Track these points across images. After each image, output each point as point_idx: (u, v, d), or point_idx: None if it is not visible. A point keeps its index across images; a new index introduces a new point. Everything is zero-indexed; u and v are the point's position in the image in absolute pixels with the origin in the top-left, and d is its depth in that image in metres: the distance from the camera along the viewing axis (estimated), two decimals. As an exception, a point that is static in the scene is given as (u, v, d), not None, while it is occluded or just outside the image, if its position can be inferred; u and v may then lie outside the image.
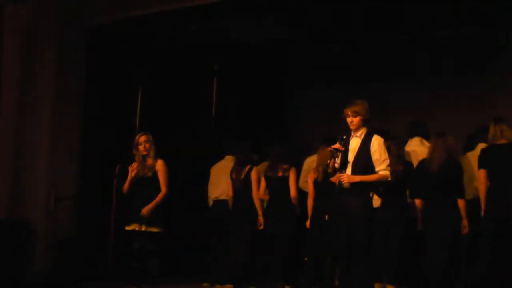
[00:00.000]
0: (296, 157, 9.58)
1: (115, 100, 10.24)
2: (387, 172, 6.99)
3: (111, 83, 10.21)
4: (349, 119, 7.08)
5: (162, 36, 10.44)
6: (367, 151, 7.02)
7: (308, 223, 8.57)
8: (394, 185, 7.86)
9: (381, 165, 6.97)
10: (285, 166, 8.81)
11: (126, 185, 8.26)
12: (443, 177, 7.57)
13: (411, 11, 9.48)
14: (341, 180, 6.95)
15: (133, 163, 8.28)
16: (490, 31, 9.87)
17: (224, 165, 9.48)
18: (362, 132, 7.11)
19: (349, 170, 7.05)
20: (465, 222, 7.57)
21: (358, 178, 6.92)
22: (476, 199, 7.95)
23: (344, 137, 7.18)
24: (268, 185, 8.90)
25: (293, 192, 8.73)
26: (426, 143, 8.18)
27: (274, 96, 12.00)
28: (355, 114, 7.06)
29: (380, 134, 7.20)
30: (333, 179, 7.12)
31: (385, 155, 7.03)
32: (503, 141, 7.60)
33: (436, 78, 10.69)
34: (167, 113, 10.64)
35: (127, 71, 10.35)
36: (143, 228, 8.02)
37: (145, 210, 8.03)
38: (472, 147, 8.36)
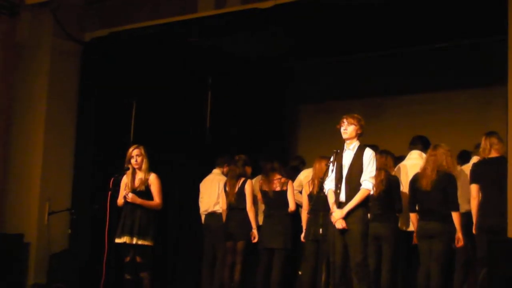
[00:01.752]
0: (291, 170, 9.58)
1: (109, 113, 10.23)
2: (368, 185, 7.02)
3: (105, 96, 10.19)
4: (343, 128, 7.12)
5: (157, 49, 10.43)
6: (359, 164, 7.06)
7: (302, 236, 8.54)
8: (380, 198, 7.91)
9: (365, 175, 7.02)
10: (283, 180, 8.79)
11: (120, 199, 8.21)
12: (435, 191, 7.55)
13: (405, 25, 9.51)
14: (334, 222, 7.03)
15: (126, 177, 8.21)
16: (483, 44, 9.93)
17: (212, 178, 9.48)
18: (355, 146, 7.15)
19: (344, 185, 7.09)
20: (459, 235, 7.54)
21: (345, 210, 6.99)
22: (470, 213, 7.96)
23: (338, 151, 7.22)
24: (264, 199, 8.86)
25: (292, 206, 8.70)
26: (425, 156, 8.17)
27: (269, 109, 12.00)
28: (350, 123, 7.10)
29: (371, 147, 7.27)
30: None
31: (372, 167, 7.07)
32: (494, 155, 7.58)
33: (430, 93, 10.74)
34: (161, 126, 10.62)
35: (121, 84, 10.32)
36: (134, 241, 7.96)
37: (132, 196, 7.98)
38: (466, 161, 8.37)
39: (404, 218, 8.10)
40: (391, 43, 10.48)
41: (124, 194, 8.06)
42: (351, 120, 7.13)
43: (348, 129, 7.13)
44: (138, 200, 8.03)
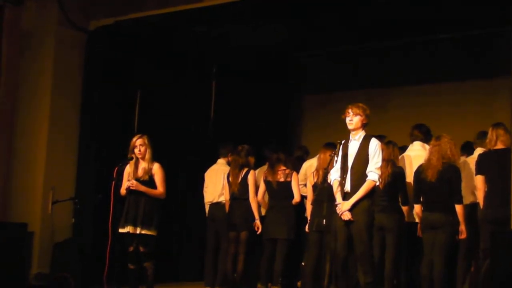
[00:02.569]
0: (296, 160, 9.57)
1: (114, 102, 10.23)
2: (374, 176, 7.03)
3: (110, 85, 10.19)
4: (348, 118, 7.11)
5: (162, 38, 10.42)
6: (365, 154, 7.05)
7: (307, 227, 8.52)
8: (385, 190, 7.91)
9: (371, 166, 7.02)
10: (287, 171, 8.77)
11: (123, 188, 8.20)
12: (440, 182, 7.52)
13: (411, 15, 9.48)
14: (340, 215, 7.04)
15: (129, 166, 8.20)
16: (487, 35, 9.90)
17: (217, 168, 9.47)
18: (360, 136, 7.13)
19: (349, 175, 7.09)
20: (462, 227, 7.52)
21: (351, 202, 7.00)
22: (474, 205, 7.95)
23: (343, 141, 7.20)
24: (268, 190, 8.85)
25: (296, 197, 8.69)
26: (427, 147, 8.14)
27: (274, 99, 11.98)
28: (355, 114, 7.08)
29: (378, 138, 7.26)
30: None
31: (378, 158, 7.07)
32: (500, 146, 7.55)
33: (435, 84, 10.71)
34: (165, 116, 10.62)
35: (126, 73, 10.31)
36: (138, 231, 7.95)
37: (135, 183, 7.97)
38: (470, 152, 8.34)
39: (409, 209, 8.08)
40: (397, 34, 10.47)
41: (128, 184, 8.04)
42: (356, 110, 7.11)
43: (353, 119, 7.11)
44: (142, 188, 8.02)
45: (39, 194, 9.64)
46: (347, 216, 7.01)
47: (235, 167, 8.99)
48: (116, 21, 10.07)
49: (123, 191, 8.17)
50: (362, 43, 10.97)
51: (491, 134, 7.66)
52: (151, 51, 10.48)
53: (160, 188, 8.14)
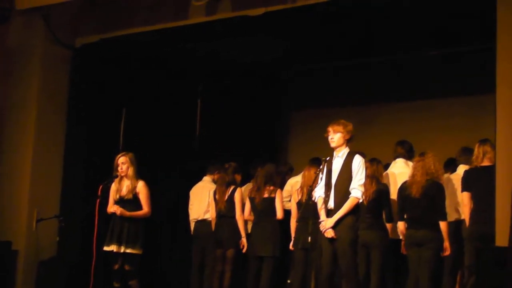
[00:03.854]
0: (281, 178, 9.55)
1: (99, 119, 10.21)
2: (357, 193, 7.03)
3: (96, 102, 10.18)
4: (330, 137, 7.13)
5: (147, 56, 10.42)
6: (348, 171, 7.05)
7: (291, 244, 8.50)
8: (369, 207, 7.90)
9: (354, 183, 7.01)
10: (271, 188, 8.76)
11: (109, 207, 8.20)
12: (424, 199, 7.51)
13: (396, 32, 9.51)
14: (323, 232, 7.05)
15: (114, 184, 8.20)
16: (472, 52, 9.94)
17: (202, 186, 9.48)
18: (344, 153, 7.14)
19: (332, 192, 7.10)
20: (447, 243, 7.52)
21: (334, 219, 7.00)
22: (458, 222, 7.94)
23: (328, 158, 7.21)
24: (252, 207, 8.84)
25: (279, 213, 8.67)
26: (411, 164, 8.14)
27: (260, 116, 11.98)
28: (336, 131, 7.09)
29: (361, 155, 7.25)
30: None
31: (361, 174, 7.07)
32: (486, 163, 7.55)
33: (420, 100, 10.74)
34: (151, 133, 10.60)
35: (112, 90, 10.31)
36: (122, 250, 7.94)
37: (119, 209, 7.94)
38: (454, 169, 8.34)
39: (393, 226, 8.08)
40: (382, 51, 10.48)
41: (113, 210, 8.03)
42: (337, 128, 7.12)
43: (334, 137, 7.13)
44: (127, 214, 8.04)
45: (23, 212, 9.57)
46: (330, 233, 7.01)
47: (222, 184, 9.00)
48: (102, 38, 10.05)
49: (109, 209, 8.17)
50: (348, 59, 10.99)
51: (478, 150, 7.65)
52: (137, 68, 10.47)
53: (145, 207, 8.14)
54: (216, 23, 9.24)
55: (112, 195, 8.21)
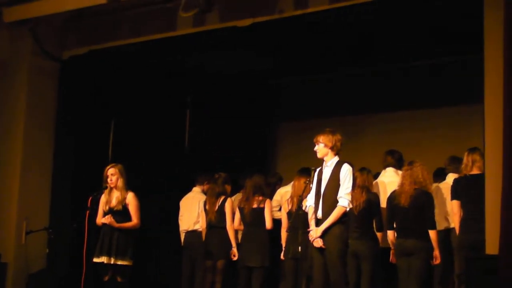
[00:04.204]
0: (271, 188, 9.58)
1: (88, 131, 10.20)
2: (344, 202, 7.04)
3: (84, 114, 10.17)
4: (316, 147, 7.15)
5: (136, 67, 10.42)
6: (337, 180, 7.07)
7: (282, 254, 8.51)
8: (360, 216, 7.92)
9: (341, 191, 7.03)
10: (260, 198, 8.76)
11: (98, 218, 8.19)
12: (413, 208, 7.54)
13: (384, 43, 9.57)
14: (311, 241, 7.08)
15: (104, 196, 8.19)
16: (460, 62, 10.01)
17: (192, 196, 9.48)
18: (332, 162, 7.16)
19: (321, 202, 7.13)
20: (436, 252, 7.54)
21: (321, 229, 7.02)
22: (448, 230, 7.97)
23: (319, 168, 7.25)
24: (241, 217, 8.84)
25: (268, 224, 8.66)
26: (400, 173, 8.16)
27: (248, 127, 12.00)
28: (318, 142, 7.14)
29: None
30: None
31: (348, 183, 7.08)
32: (475, 172, 7.57)
33: (408, 110, 10.80)
34: (140, 145, 10.59)
35: (100, 102, 10.30)
36: (112, 261, 7.93)
37: (110, 219, 7.93)
38: (443, 178, 8.38)
39: (383, 235, 8.10)
40: (370, 61, 10.56)
41: (103, 220, 8.03)
42: (321, 138, 7.15)
43: (318, 147, 7.16)
44: (116, 225, 8.03)
45: (12, 224, 9.54)
46: (318, 243, 7.03)
47: (212, 195, 9.01)
48: (90, 50, 10.05)
49: (98, 221, 8.16)
50: (335, 70, 11.05)
51: (467, 159, 7.65)
52: (125, 80, 10.47)
53: (134, 219, 8.14)
54: (204, 34, 9.26)
55: (102, 207, 8.21)
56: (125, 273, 7.98)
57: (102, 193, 8.20)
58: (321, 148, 7.15)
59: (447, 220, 8.03)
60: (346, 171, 7.09)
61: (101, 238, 8.08)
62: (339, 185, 7.06)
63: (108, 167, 8.26)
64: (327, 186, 7.13)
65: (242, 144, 11.75)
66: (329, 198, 7.08)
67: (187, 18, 8.93)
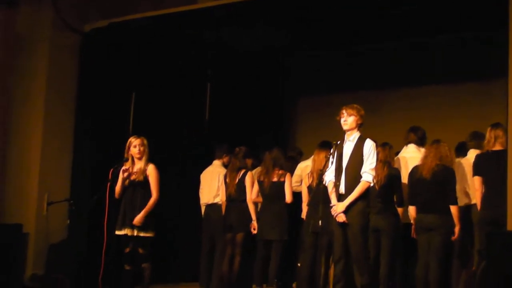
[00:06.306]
0: (289, 161, 9.57)
1: (108, 104, 10.22)
2: (368, 177, 7.08)
3: (104, 88, 10.18)
4: (343, 119, 7.16)
5: (157, 40, 10.42)
6: (360, 155, 7.09)
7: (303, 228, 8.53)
8: (381, 192, 7.90)
9: (365, 167, 7.06)
10: (280, 172, 8.77)
11: (117, 189, 8.18)
12: (435, 183, 7.53)
13: (404, 17, 9.50)
14: (334, 216, 7.11)
15: (125, 167, 8.19)
16: (482, 37, 9.94)
17: (212, 170, 9.49)
18: (355, 137, 7.17)
19: (343, 177, 7.14)
20: (457, 228, 7.55)
21: (345, 204, 7.05)
22: (468, 206, 7.96)
23: (338, 142, 7.24)
24: (260, 190, 8.85)
25: (288, 197, 8.67)
26: (422, 150, 8.13)
27: (268, 102, 12.01)
28: (350, 114, 7.14)
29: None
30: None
31: (373, 158, 7.12)
32: (498, 147, 7.51)
33: (429, 86, 10.74)
34: (160, 118, 10.62)
35: (121, 75, 10.31)
36: (135, 233, 7.96)
37: (137, 219, 7.94)
38: (464, 154, 8.34)
39: (404, 211, 8.10)
40: (390, 36, 10.48)
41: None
42: (351, 111, 7.16)
43: (348, 120, 7.17)
44: (141, 220, 7.95)
45: (34, 196, 9.61)
46: (341, 218, 7.05)
47: (233, 169, 9.02)
48: (111, 23, 10.04)
49: (118, 192, 8.16)
50: (356, 45, 11.00)
51: (489, 135, 7.59)
52: (145, 53, 10.47)
53: (153, 192, 8.07)
54: (224, 7, 9.25)
55: (121, 177, 8.18)
56: (146, 245, 8.00)
57: (123, 164, 8.20)
58: (351, 121, 7.16)
59: (467, 196, 7.98)
60: (370, 146, 7.11)
61: (122, 210, 8.09)
62: (362, 160, 7.08)
63: (133, 137, 8.23)
64: (350, 161, 7.14)
65: (261, 118, 11.76)
66: (352, 173, 7.10)
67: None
